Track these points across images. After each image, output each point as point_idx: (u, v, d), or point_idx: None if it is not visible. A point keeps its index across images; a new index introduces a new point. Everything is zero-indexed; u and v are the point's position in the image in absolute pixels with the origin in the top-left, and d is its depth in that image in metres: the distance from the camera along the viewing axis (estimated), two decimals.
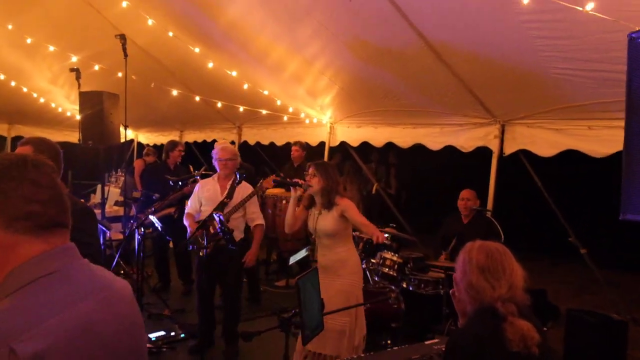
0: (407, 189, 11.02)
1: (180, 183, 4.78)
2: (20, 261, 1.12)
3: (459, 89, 5.39)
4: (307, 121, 7.81)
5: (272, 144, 8.87)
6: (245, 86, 6.76)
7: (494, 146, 5.88)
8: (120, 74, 6.11)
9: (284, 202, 6.98)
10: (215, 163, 4.87)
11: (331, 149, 7.77)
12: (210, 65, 6.35)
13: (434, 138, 6.46)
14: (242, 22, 5.62)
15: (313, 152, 8.07)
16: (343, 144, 7.75)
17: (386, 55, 5.30)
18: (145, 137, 11.92)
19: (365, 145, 7.53)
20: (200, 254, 4.67)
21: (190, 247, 4.70)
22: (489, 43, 4.50)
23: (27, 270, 1.11)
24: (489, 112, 5.76)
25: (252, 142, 9.23)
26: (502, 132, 5.82)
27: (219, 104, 7.57)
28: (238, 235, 4.71)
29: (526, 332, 1.93)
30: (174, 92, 7.25)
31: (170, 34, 5.94)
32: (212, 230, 4.44)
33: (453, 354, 2.04)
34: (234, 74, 6.56)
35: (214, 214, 4.29)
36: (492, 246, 2.14)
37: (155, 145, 10.86)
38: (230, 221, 4.67)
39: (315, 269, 2.51)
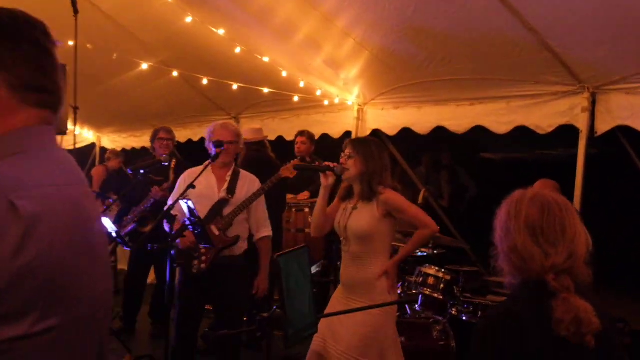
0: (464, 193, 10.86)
1: (142, 171, 4.69)
2: (13, 128, 1.41)
3: (531, 44, 5.34)
4: (325, 102, 7.82)
5: (280, 139, 8.85)
6: (238, 50, 6.79)
7: (581, 123, 5.77)
8: (71, 43, 6.19)
9: (293, 210, 6.98)
10: (211, 147, 4.83)
11: None
12: (189, 20, 6.40)
13: (499, 118, 6.41)
14: None
15: (334, 146, 8.04)
16: (376, 133, 7.69)
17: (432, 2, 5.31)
18: (111, 141, 12.03)
19: (406, 135, 7.46)
20: (194, 269, 4.67)
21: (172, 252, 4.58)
22: None
23: (22, 138, 1.41)
24: (573, 75, 5.66)
25: None
26: (593, 104, 5.72)
27: (205, 81, 7.63)
28: (242, 245, 4.84)
29: (582, 313, 1.88)
30: (144, 66, 7.33)
31: None
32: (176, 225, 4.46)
33: (483, 343, 1.99)
34: (221, 32, 6.61)
35: (180, 200, 4.28)
36: (550, 198, 2.10)
37: (124, 150, 11.00)
38: (234, 225, 4.75)
39: (305, 247, 2.47)
